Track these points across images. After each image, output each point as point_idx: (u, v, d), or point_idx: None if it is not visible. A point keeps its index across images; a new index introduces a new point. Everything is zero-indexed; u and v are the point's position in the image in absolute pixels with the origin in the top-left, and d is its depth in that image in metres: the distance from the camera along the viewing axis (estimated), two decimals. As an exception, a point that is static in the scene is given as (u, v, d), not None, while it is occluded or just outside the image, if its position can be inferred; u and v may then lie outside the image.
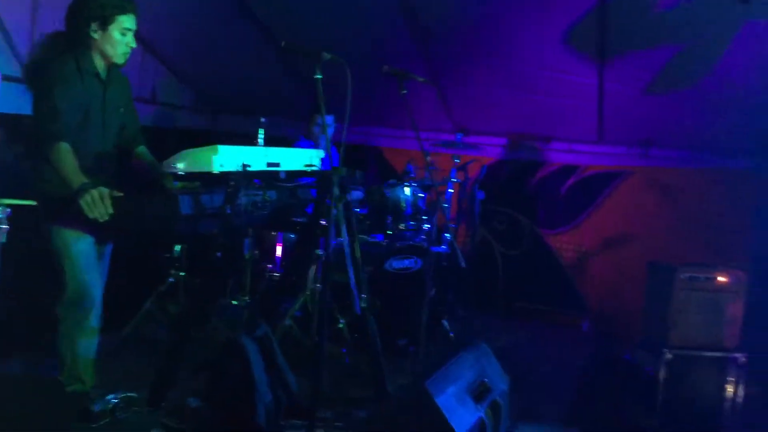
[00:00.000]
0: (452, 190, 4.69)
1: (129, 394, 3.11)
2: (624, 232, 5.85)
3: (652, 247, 5.61)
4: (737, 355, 4.44)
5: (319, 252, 3.87)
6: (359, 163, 6.22)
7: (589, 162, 6.07)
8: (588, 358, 4.81)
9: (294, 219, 3.79)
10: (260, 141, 3.50)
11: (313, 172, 3.40)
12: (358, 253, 3.76)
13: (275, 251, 4.20)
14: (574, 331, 5.27)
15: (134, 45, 3.18)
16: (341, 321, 4.00)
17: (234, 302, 3.86)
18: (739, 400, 4.42)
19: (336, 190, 2.98)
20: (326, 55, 3.07)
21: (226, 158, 2.90)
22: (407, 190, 4.44)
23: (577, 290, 5.94)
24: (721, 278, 4.59)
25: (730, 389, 4.54)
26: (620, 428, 4.63)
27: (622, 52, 5.07)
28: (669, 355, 4.57)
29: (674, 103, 5.32)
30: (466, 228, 5.49)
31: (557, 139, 6.13)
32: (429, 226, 4.47)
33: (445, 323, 4.46)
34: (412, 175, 4.48)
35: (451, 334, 4.41)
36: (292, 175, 3.42)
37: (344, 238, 3.27)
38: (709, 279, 4.61)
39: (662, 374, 4.57)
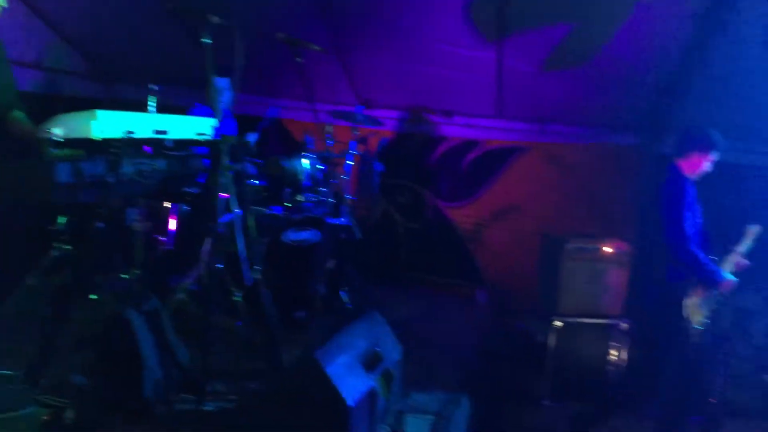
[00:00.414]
0: (352, 163, 4.67)
1: (4, 372, 2.96)
2: (521, 206, 6.02)
3: (547, 219, 5.81)
4: (620, 322, 4.69)
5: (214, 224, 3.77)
6: (260, 134, 6.10)
7: (489, 137, 6.19)
8: (483, 327, 4.96)
9: (186, 189, 3.68)
10: (151, 109, 3.37)
11: (203, 141, 3.30)
12: (251, 224, 3.71)
13: (168, 223, 4.06)
14: (470, 301, 5.42)
15: (4, 4, 2.97)
16: (237, 294, 3.93)
17: (122, 276, 3.71)
18: (623, 364, 4.67)
19: (224, 159, 2.91)
20: (215, 19, 2.98)
21: (107, 124, 2.77)
22: (306, 162, 4.40)
23: (476, 262, 6.09)
24: (606, 249, 4.81)
25: (614, 354, 4.79)
26: (512, 394, 4.81)
27: (520, 29, 5.17)
28: (558, 323, 4.77)
29: (568, 80, 5.49)
30: (365, 200, 5.51)
31: (458, 114, 6.21)
32: (328, 198, 4.45)
33: (344, 295, 4.47)
34: (311, 146, 4.44)
35: (349, 306, 4.42)
36: (182, 143, 3.31)
37: (237, 210, 3.21)
38: (595, 250, 4.83)
39: (552, 341, 4.77)
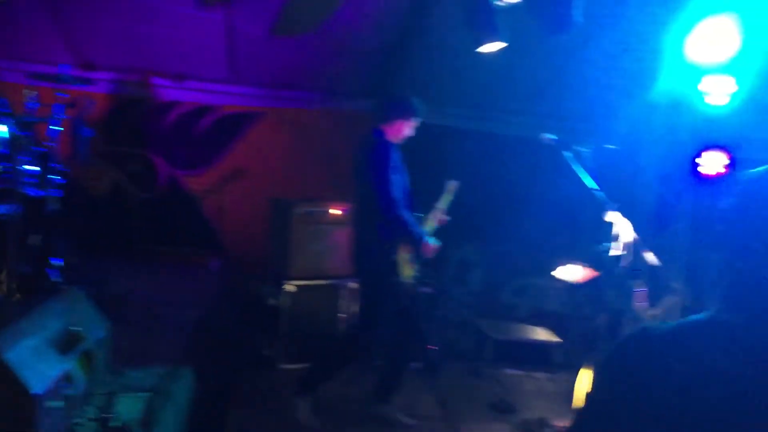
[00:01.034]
0: (58, 128, 4.25)
1: None
2: (258, 172, 5.99)
3: (285, 184, 5.85)
4: (348, 281, 4.88)
5: None
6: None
7: (224, 102, 6.04)
8: (214, 295, 4.87)
9: None
10: None
11: None
12: None
13: None
14: (204, 270, 5.30)
15: None
16: None
17: None
18: (351, 321, 4.88)
19: None
20: None
21: None
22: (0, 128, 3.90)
23: (213, 230, 5.96)
24: (333, 211, 4.97)
25: (343, 312, 4.99)
26: (246, 360, 4.80)
27: (246, -8, 5.08)
28: (289, 287, 4.84)
29: (299, 46, 5.52)
30: (85, 170, 5.10)
31: (190, 78, 5.97)
32: (29, 167, 4.00)
33: (53, 273, 4.09)
34: (6, 110, 3.94)
35: (58, 284, 4.06)
36: None
37: None
38: (323, 212, 4.96)
39: (284, 305, 4.83)
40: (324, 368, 4.22)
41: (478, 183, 5.38)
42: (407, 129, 4.01)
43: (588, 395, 1.35)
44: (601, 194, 3.87)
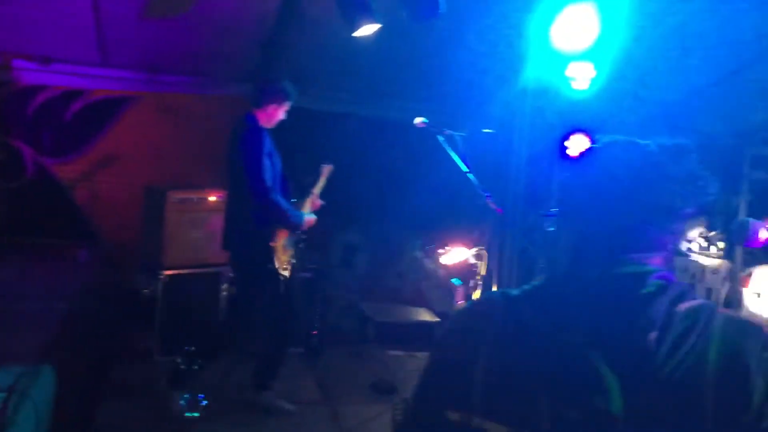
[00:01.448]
0: None
1: None
2: (133, 159, 5.75)
3: (162, 172, 5.64)
4: (227, 269, 4.79)
5: None
6: None
7: (95, 86, 5.74)
8: (84, 287, 4.65)
9: None
10: None
11: None
12: None
13: None
14: (73, 261, 5.05)
15: None
16: None
17: None
18: (229, 308, 4.81)
19: None
20: None
21: None
22: None
23: (85, 220, 5.67)
24: (211, 198, 4.86)
25: (221, 301, 4.91)
26: (116, 352, 4.64)
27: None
28: (164, 277, 4.70)
29: (174, 28, 5.31)
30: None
31: (57, 61, 5.62)
32: None
33: None
34: None
35: None
36: None
37: None
38: (200, 199, 4.85)
39: (159, 295, 4.69)
40: (198, 358, 4.14)
41: (361, 167, 5.41)
42: (280, 113, 3.98)
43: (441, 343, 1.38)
44: (472, 177, 3.98)
